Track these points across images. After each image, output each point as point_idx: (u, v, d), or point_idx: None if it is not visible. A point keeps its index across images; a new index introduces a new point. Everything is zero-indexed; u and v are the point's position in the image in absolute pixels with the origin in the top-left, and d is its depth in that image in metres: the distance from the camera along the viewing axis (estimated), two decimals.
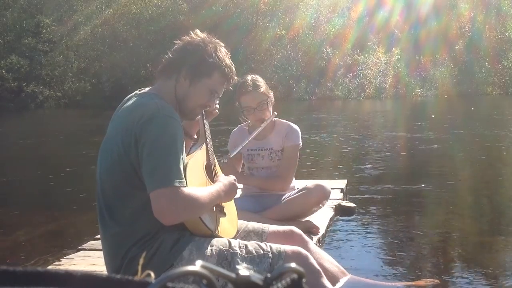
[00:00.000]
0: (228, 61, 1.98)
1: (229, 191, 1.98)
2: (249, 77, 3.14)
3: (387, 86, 29.76)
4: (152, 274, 0.53)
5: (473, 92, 28.65)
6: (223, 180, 2.00)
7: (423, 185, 5.24)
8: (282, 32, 30.96)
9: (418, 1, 33.68)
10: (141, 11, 30.12)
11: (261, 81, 3.14)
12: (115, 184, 1.83)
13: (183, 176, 1.73)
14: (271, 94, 3.17)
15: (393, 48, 31.54)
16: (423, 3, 33.26)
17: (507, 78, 30.39)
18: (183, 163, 1.78)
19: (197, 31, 2.01)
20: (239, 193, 3.27)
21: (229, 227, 2.08)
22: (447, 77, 30.40)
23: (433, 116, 15.13)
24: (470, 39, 31.95)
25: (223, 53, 1.97)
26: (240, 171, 3.27)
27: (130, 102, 1.90)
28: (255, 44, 29.67)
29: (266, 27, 31.11)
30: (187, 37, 1.99)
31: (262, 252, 1.88)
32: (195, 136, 2.20)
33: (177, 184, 1.68)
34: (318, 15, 32.12)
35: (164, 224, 1.77)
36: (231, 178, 2.05)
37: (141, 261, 0.85)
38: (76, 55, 29.77)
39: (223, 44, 2.01)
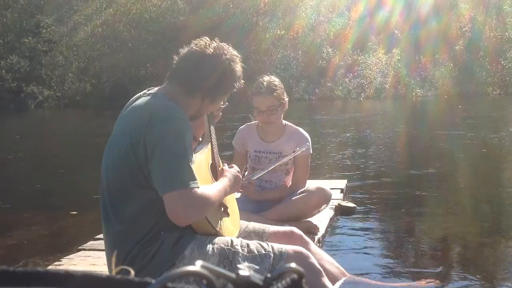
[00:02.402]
0: (241, 72, 2.03)
1: (233, 185, 2.02)
2: (266, 78, 3.07)
3: (387, 86, 29.72)
4: (132, 271, 0.53)
5: (473, 92, 28.63)
6: (227, 174, 2.02)
7: (423, 185, 5.24)
8: (282, 32, 30.93)
9: (418, 1, 33.65)
10: (141, 11, 30.08)
11: (277, 85, 3.05)
12: (120, 181, 1.84)
13: (196, 177, 1.74)
14: (286, 99, 3.09)
15: (393, 49, 31.51)
16: (423, 3, 33.23)
17: (507, 78, 30.36)
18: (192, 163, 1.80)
19: (217, 40, 2.01)
20: (240, 193, 3.27)
21: (232, 227, 2.10)
22: (447, 77, 30.36)
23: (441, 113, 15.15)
24: (470, 39, 31.91)
25: (240, 67, 2.01)
26: (243, 170, 3.26)
27: (139, 101, 1.90)
28: (255, 44, 29.63)
29: (266, 27, 31.06)
30: (205, 45, 1.95)
31: (263, 251, 1.89)
32: (200, 139, 2.23)
33: (192, 186, 1.71)
34: (318, 15, 32.09)
35: (166, 222, 1.78)
36: (234, 170, 2.07)
37: (113, 259, 0.84)
38: (76, 55, 29.72)
39: (239, 55, 2.03)
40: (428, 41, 31.92)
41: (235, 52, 2.01)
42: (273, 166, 3.07)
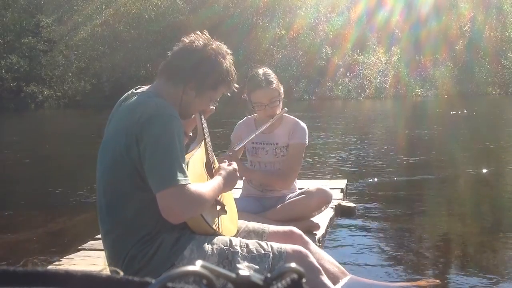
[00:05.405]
0: (233, 71, 2.00)
1: (228, 181, 1.99)
2: (261, 71, 3.02)
3: (387, 86, 29.74)
4: (121, 273, 0.52)
5: (473, 92, 28.63)
6: (222, 172, 2.01)
7: (423, 185, 5.24)
8: (282, 32, 30.92)
9: (418, 1, 33.64)
10: (141, 11, 30.06)
11: (272, 76, 3.02)
12: (117, 184, 1.83)
13: (187, 174, 1.74)
14: (282, 88, 3.05)
15: (393, 48, 31.52)
16: (423, 3, 33.23)
17: (507, 78, 30.38)
18: (185, 161, 1.79)
19: (206, 32, 1.99)
20: (239, 193, 3.27)
21: (230, 225, 2.09)
22: (447, 77, 30.38)
23: (437, 110, 15.16)
24: (470, 39, 31.92)
25: (229, 63, 1.98)
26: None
27: (129, 101, 1.89)
28: (255, 44, 29.61)
29: (266, 27, 31.05)
30: (194, 39, 1.95)
31: (263, 251, 1.89)
32: (191, 134, 2.22)
33: (183, 182, 1.70)
34: (318, 15, 32.07)
35: (165, 224, 1.78)
36: (231, 167, 2.05)
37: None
38: (76, 55, 29.71)
39: (230, 52, 2.01)
40: (428, 40, 31.94)
41: (226, 49, 1.99)
42: (258, 132, 2.96)
